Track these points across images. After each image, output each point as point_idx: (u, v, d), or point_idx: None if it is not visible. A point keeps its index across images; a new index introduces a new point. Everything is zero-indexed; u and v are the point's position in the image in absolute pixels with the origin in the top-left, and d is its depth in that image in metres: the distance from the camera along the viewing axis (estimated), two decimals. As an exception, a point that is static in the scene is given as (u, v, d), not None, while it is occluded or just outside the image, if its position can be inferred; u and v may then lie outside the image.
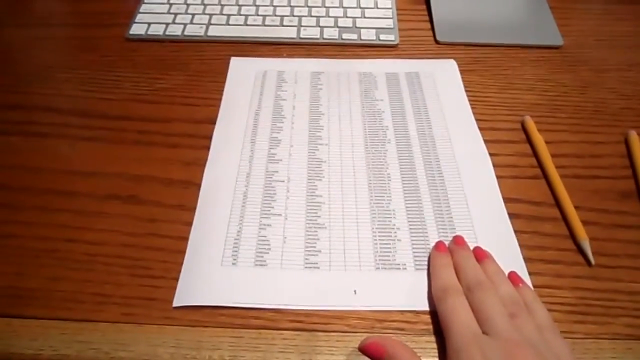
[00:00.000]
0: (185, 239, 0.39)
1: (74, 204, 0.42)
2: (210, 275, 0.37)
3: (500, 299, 0.33)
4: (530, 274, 0.37)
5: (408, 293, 0.36)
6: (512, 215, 0.41)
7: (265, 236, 0.39)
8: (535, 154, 0.46)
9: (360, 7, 0.62)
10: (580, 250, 0.39)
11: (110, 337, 0.34)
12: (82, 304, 0.36)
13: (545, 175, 0.44)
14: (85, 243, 0.39)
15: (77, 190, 0.43)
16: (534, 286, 0.37)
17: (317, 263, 0.38)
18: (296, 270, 0.37)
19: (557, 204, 0.42)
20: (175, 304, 0.35)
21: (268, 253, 0.38)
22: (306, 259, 0.38)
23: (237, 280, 0.37)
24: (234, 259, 0.38)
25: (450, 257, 0.37)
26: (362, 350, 0.31)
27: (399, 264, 0.38)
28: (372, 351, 0.31)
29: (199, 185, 0.43)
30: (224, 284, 0.36)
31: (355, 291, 0.36)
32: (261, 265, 0.38)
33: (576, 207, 0.41)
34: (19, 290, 0.36)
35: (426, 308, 0.36)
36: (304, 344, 0.34)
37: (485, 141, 0.47)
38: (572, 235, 0.40)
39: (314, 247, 0.39)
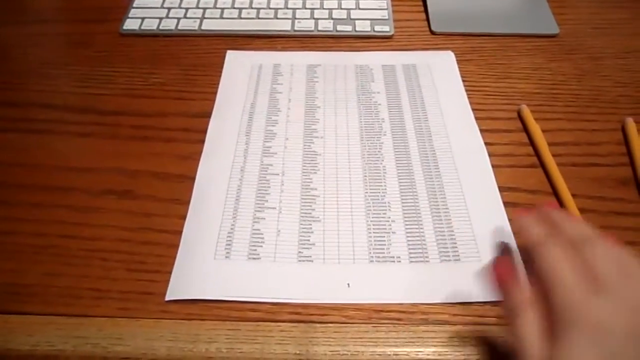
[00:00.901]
0: (181, 233, 0.39)
1: (70, 200, 0.42)
2: (202, 269, 0.37)
3: (609, 256, 0.28)
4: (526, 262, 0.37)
5: (402, 286, 0.36)
6: (509, 204, 0.41)
7: (258, 229, 0.39)
8: (531, 142, 0.46)
9: (355, -1, 0.61)
10: (577, 238, 0.39)
11: (107, 331, 0.34)
12: (78, 300, 0.36)
13: (542, 164, 0.44)
14: (82, 239, 0.39)
15: (72, 186, 0.43)
16: (531, 275, 0.37)
17: (310, 256, 0.38)
18: (289, 263, 0.37)
19: (554, 192, 0.42)
20: (168, 297, 0.35)
21: (261, 246, 0.38)
22: (300, 252, 0.38)
23: (230, 274, 0.37)
24: (227, 253, 0.38)
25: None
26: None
27: (393, 257, 0.38)
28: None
29: (194, 179, 0.43)
30: (217, 277, 0.36)
31: (348, 284, 0.36)
32: (254, 258, 0.38)
33: (573, 195, 0.41)
34: (16, 287, 0.36)
35: (419, 301, 0.35)
36: (301, 336, 0.34)
37: (482, 131, 0.47)
38: (569, 224, 0.40)
39: (308, 240, 0.39)
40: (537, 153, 0.45)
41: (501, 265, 0.31)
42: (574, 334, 0.26)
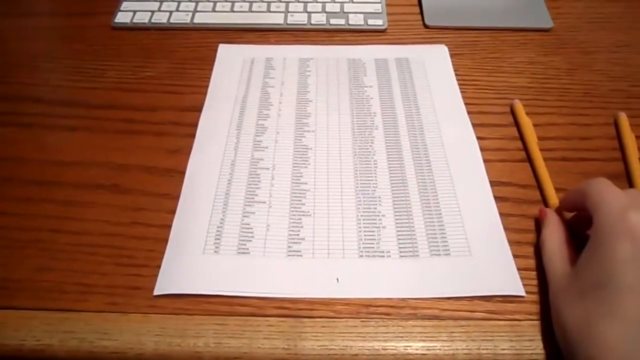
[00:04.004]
0: (170, 227, 0.39)
1: (59, 194, 0.41)
2: (191, 263, 0.37)
3: None
4: (517, 256, 0.37)
5: (391, 281, 0.36)
6: (500, 199, 0.41)
7: (248, 224, 0.39)
8: (520, 136, 0.45)
9: (348, -8, 0.61)
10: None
11: (94, 326, 0.34)
12: (66, 294, 0.35)
13: (529, 158, 0.44)
14: (70, 233, 0.39)
15: (62, 180, 0.42)
16: (521, 269, 0.37)
17: (300, 251, 0.37)
18: (279, 258, 0.37)
19: (538, 185, 0.42)
20: (156, 292, 0.35)
21: (251, 241, 0.38)
22: (289, 246, 0.38)
23: (219, 269, 0.36)
24: (216, 247, 0.38)
25: None
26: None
27: (382, 252, 0.37)
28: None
29: (184, 174, 0.42)
30: (205, 272, 0.36)
31: (337, 279, 0.36)
32: (243, 253, 0.37)
33: (564, 190, 0.40)
34: (3, 282, 0.36)
35: (408, 295, 0.35)
36: (289, 330, 0.34)
37: (474, 125, 0.46)
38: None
39: (298, 234, 0.38)
40: (525, 147, 0.44)
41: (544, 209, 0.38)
42: (617, 240, 0.29)
